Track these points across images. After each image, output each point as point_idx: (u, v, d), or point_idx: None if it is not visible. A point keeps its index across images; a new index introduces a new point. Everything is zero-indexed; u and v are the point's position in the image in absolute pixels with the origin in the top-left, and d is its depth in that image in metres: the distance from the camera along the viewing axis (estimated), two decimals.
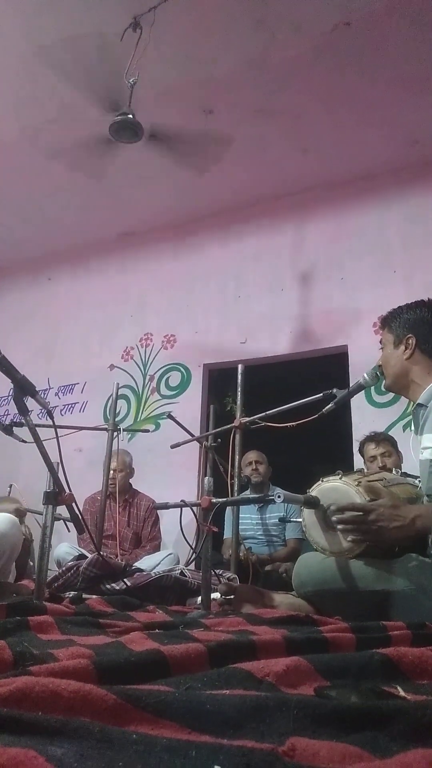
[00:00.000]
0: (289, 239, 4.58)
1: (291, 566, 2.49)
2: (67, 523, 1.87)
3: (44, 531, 1.83)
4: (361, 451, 3.24)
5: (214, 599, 1.99)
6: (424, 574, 1.53)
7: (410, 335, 1.80)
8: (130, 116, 3.22)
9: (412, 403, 1.84)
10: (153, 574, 2.45)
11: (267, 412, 2.84)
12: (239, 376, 3.23)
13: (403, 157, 4.16)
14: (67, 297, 5.37)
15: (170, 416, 3.40)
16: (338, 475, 1.69)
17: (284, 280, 4.49)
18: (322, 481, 1.74)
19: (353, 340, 4.05)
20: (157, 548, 3.54)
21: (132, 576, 2.49)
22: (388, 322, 1.90)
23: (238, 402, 3.13)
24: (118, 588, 2.37)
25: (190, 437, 3.36)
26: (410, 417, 3.24)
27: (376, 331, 3.99)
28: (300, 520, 3.63)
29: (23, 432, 1.86)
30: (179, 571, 2.49)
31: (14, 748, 0.43)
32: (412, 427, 1.93)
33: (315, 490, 1.72)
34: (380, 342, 1.93)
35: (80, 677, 0.64)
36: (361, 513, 1.53)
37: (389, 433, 3.44)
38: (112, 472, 3.42)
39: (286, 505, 3.55)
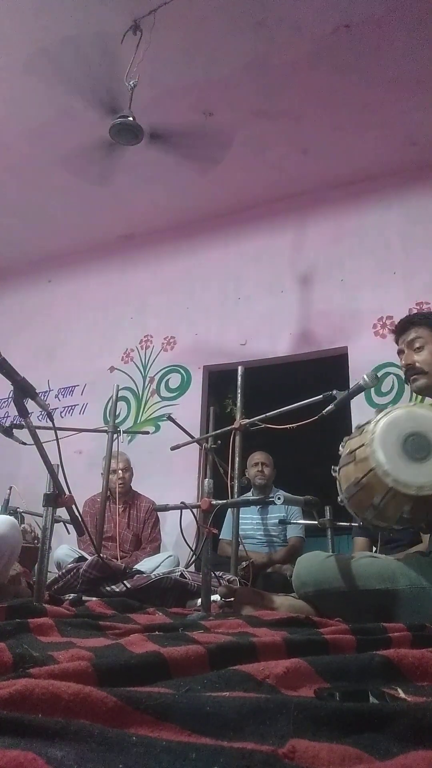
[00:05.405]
0: (289, 240, 4.58)
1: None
2: (66, 525, 1.87)
3: (44, 533, 1.83)
4: None
5: (214, 601, 1.99)
6: (425, 574, 1.53)
7: None
8: (131, 118, 3.23)
9: None
10: (153, 576, 2.45)
11: (267, 414, 2.84)
12: (239, 378, 3.23)
13: (403, 158, 4.17)
14: (67, 299, 5.37)
15: (170, 418, 3.39)
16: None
17: (284, 281, 4.49)
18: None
19: (353, 342, 4.05)
20: (157, 550, 3.54)
21: (132, 578, 2.49)
22: (430, 320, 1.83)
23: (238, 404, 3.13)
24: (117, 590, 2.37)
25: (190, 439, 3.36)
26: None
27: (376, 332, 3.99)
28: (300, 521, 3.60)
29: (23, 434, 1.86)
30: (179, 573, 2.49)
31: (14, 750, 0.43)
32: None
33: (386, 421, 1.51)
34: (415, 343, 1.83)
35: (80, 679, 0.64)
36: None
37: None
38: (120, 471, 3.43)
39: (286, 506, 3.54)
